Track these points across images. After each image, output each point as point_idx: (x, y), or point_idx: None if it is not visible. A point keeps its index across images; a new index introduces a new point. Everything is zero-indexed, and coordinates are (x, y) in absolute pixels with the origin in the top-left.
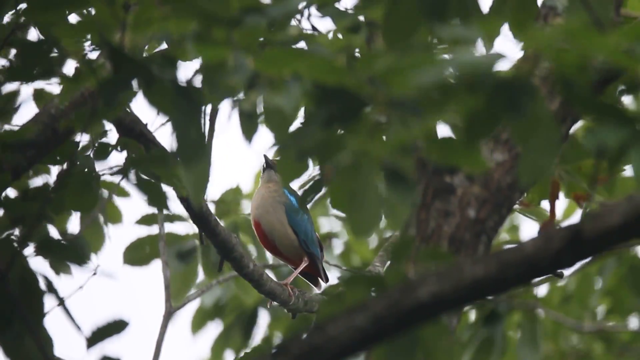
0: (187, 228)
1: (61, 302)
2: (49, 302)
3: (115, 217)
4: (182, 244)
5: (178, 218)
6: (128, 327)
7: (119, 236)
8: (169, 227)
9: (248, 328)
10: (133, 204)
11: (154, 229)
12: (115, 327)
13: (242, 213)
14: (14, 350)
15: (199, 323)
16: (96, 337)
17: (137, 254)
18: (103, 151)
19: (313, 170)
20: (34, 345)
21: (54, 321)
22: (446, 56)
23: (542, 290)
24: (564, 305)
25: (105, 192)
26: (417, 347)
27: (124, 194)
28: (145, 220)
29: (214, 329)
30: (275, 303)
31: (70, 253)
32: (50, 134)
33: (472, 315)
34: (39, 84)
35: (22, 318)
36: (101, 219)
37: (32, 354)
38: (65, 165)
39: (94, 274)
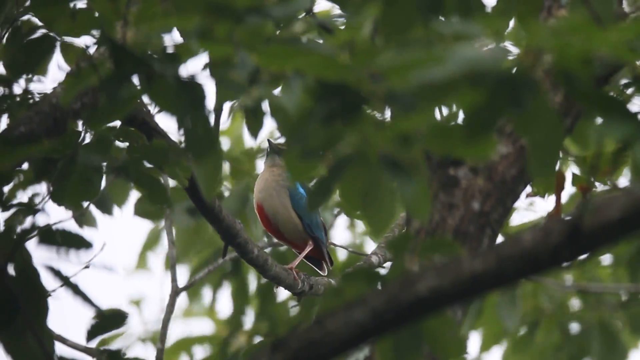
0: None
1: (66, 282)
2: (54, 293)
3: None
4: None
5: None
6: (127, 319)
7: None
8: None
9: None
10: None
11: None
12: (115, 319)
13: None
14: (15, 349)
15: None
16: (95, 330)
17: (148, 206)
18: (104, 143)
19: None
20: (35, 342)
21: (58, 315)
22: (446, 51)
23: None
24: None
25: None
26: (423, 340)
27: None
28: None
29: None
30: (281, 287)
31: (74, 240)
32: (52, 124)
33: None
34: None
35: (23, 315)
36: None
37: (34, 352)
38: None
39: (86, 267)
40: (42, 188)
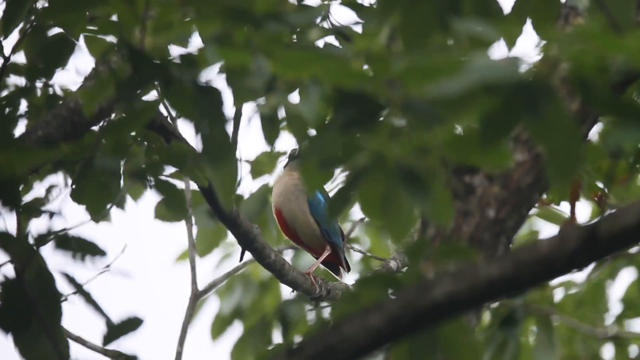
0: None
1: (79, 289)
2: (70, 298)
3: None
4: None
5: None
6: (143, 324)
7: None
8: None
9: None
10: None
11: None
12: (130, 324)
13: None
14: (29, 352)
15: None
16: (111, 335)
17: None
18: (121, 148)
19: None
20: (50, 346)
21: (72, 319)
22: (464, 58)
23: (556, 296)
24: (577, 310)
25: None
26: (438, 346)
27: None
28: (176, 176)
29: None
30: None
31: (88, 246)
32: (70, 128)
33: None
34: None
35: (38, 319)
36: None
37: (49, 355)
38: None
39: (102, 272)
40: (59, 190)
